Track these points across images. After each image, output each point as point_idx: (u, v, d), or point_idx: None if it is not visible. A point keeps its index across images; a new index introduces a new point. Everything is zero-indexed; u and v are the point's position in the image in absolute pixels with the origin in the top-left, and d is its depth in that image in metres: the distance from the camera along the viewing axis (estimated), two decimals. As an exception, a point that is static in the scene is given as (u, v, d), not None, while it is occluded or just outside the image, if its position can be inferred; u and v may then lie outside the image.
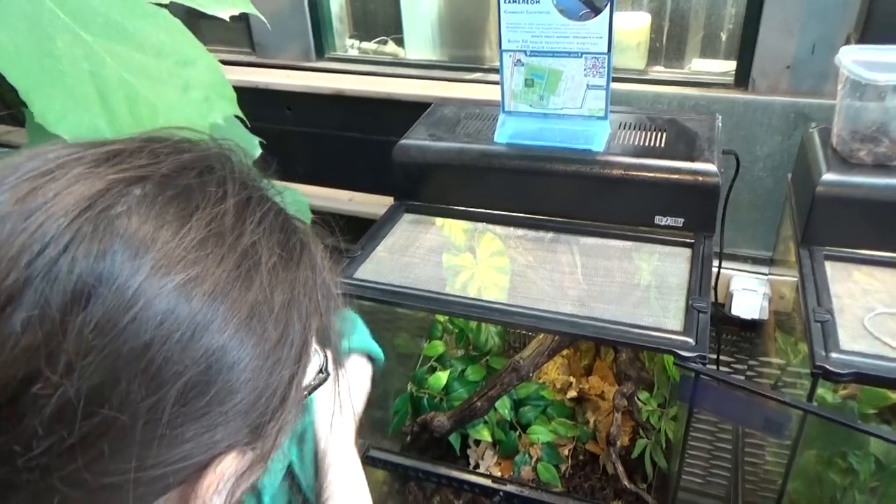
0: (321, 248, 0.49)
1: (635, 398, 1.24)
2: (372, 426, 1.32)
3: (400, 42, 2.07)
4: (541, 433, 1.31)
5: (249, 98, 1.98)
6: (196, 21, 2.21)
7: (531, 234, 1.12)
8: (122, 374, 0.34)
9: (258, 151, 1.10)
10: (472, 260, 1.28)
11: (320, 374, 0.57)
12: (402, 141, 1.17)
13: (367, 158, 1.93)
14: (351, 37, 2.15)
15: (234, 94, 0.69)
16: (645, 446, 1.23)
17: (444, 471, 1.14)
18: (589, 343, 1.47)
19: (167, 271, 0.36)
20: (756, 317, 1.51)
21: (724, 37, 1.80)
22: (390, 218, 1.16)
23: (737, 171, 1.16)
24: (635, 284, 0.98)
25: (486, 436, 1.31)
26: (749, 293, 1.51)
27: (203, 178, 0.41)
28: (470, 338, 1.39)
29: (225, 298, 0.37)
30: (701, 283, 0.94)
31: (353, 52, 2.11)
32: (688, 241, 1.04)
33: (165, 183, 0.39)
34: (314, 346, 0.47)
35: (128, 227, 0.36)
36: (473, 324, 1.37)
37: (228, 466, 0.40)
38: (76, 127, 0.52)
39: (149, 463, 0.36)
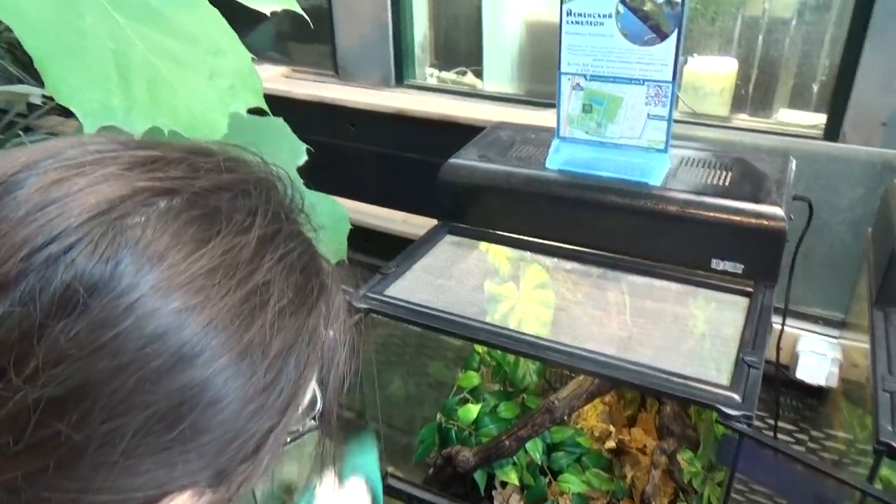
0: (342, 296, 0.46)
1: (677, 457, 1.14)
2: (394, 451, 1.27)
3: (479, 73, 2.07)
4: (573, 483, 1.23)
5: (315, 111, 2.00)
6: (285, 43, 2.29)
7: (578, 267, 1.06)
8: (88, 392, 0.32)
9: (304, 158, 1.09)
10: (514, 289, 1.23)
11: (310, 422, 0.54)
12: (451, 160, 1.14)
13: (424, 180, 1.91)
14: (431, 65, 2.16)
15: (260, 86, 0.68)
16: (685, 511, 1.13)
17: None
18: (633, 391, 1.38)
19: (167, 293, 0.33)
20: (823, 383, 1.37)
21: (815, 88, 1.70)
22: (431, 238, 1.13)
23: (809, 219, 1.06)
24: (684, 331, 0.90)
25: (513, 478, 1.23)
26: (817, 356, 1.38)
27: (235, 202, 0.38)
28: (507, 373, 1.33)
29: (219, 333, 0.35)
30: (756, 336, 0.86)
31: (432, 81, 2.12)
32: (746, 289, 0.95)
33: (194, 201, 0.37)
34: (315, 388, 0.44)
35: (140, 240, 0.34)
36: (511, 358, 1.30)
37: None
38: (88, 102, 0.51)
39: (94, 487, 0.34)
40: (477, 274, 1.07)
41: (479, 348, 1.38)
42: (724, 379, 0.79)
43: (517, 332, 0.90)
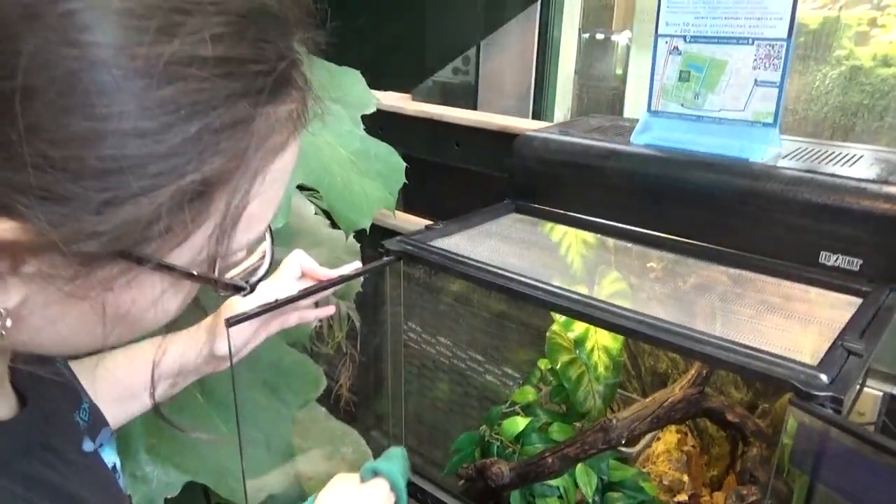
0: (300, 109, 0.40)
1: (761, 513, 0.90)
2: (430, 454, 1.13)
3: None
4: (627, 531, 1.01)
5: (421, 126, 1.99)
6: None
7: (658, 253, 0.90)
8: None
9: (373, 108, 1.05)
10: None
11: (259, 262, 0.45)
12: (527, 132, 1.04)
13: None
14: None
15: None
16: (764, 588, 0.88)
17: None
18: (722, 444, 1.14)
19: None
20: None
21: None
22: (493, 212, 1.02)
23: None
24: (774, 319, 0.72)
25: (556, 512, 1.04)
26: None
27: None
28: (568, 392, 1.16)
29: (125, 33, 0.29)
30: (866, 327, 0.66)
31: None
32: (863, 289, 0.75)
33: None
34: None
35: None
36: (574, 375, 1.13)
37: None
38: None
39: None
40: (542, 247, 0.94)
41: (542, 363, 1.22)
42: (811, 361, 0.60)
43: (570, 290, 0.75)
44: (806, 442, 0.56)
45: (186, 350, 0.73)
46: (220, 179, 0.33)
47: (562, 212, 1.00)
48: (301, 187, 1.15)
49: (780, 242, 0.82)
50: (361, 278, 1.38)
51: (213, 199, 0.33)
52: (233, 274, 0.42)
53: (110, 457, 0.58)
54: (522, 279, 0.75)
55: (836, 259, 0.78)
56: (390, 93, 2.23)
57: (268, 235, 0.46)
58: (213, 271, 0.36)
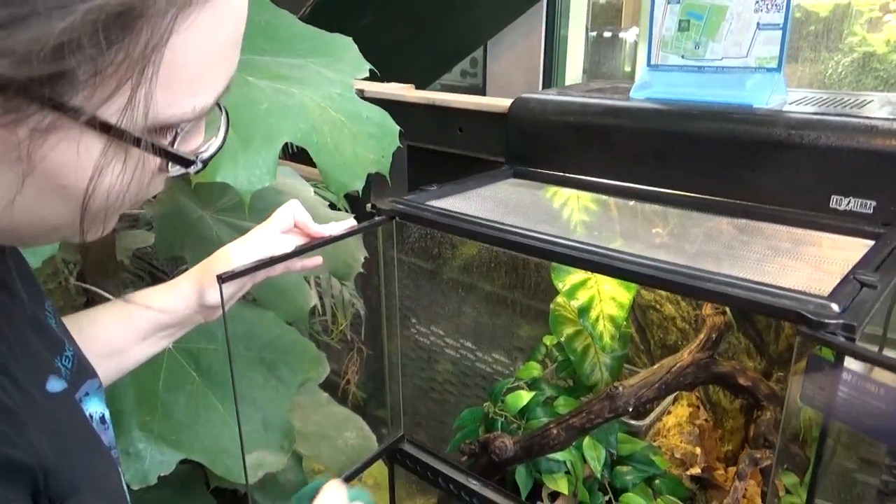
0: None
1: (775, 479, 0.86)
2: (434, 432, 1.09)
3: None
4: (637, 505, 0.97)
5: (423, 113, 1.97)
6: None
7: (662, 209, 0.87)
8: None
9: (366, 73, 1.02)
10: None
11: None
12: (523, 94, 1.01)
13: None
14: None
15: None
16: (782, 558, 0.83)
17: (476, 485, 0.87)
18: (737, 416, 1.10)
19: None
20: None
21: None
22: (491, 178, 0.99)
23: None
24: (783, 260, 0.68)
25: (563, 488, 1.00)
26: None
27: None
28: (574, 367, 1.12)
29: None
30: (880, 264, 0.62)
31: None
32: (877, 231, 0.71)
33: None
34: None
35: None
36: (579, 347, 1.09)
37: None
38: None
39: None
40: (540, 208, 0.91)
41: (548, 339, 1.18)
42: (822, 291, 0.56)
43: (571, 239, 0.72)
44: (817, 376, 0.52)
45: (176, 300, 0.71)
46: (139, 4, 0.30)
47: (562, 174, 0.97)
48: (293, 157, 1.13)
49: (788, 189, 0.78)
50: (362, 259, 1.36)
51: (133, 28, 0.31)
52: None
53: (96, 407, 0.55)
54: (523, 231, 0.72)
55: (849, 202, 0.74)
56: (392, 84, 2.22)
57: (223, 118, 0.43)
58: (158, 138, 0.34)
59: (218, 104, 0.41)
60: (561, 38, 4.14)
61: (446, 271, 1.52)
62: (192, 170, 0.40)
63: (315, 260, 0.79)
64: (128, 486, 0.61)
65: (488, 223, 0.75)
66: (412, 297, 1.60)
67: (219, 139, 0.43)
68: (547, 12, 5.11)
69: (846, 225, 0.73)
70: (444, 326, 1.55)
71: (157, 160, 0.39)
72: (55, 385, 0.50)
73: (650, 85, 0.92)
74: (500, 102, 1.76)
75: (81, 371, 0.55)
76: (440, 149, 1.96)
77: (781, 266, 0.65)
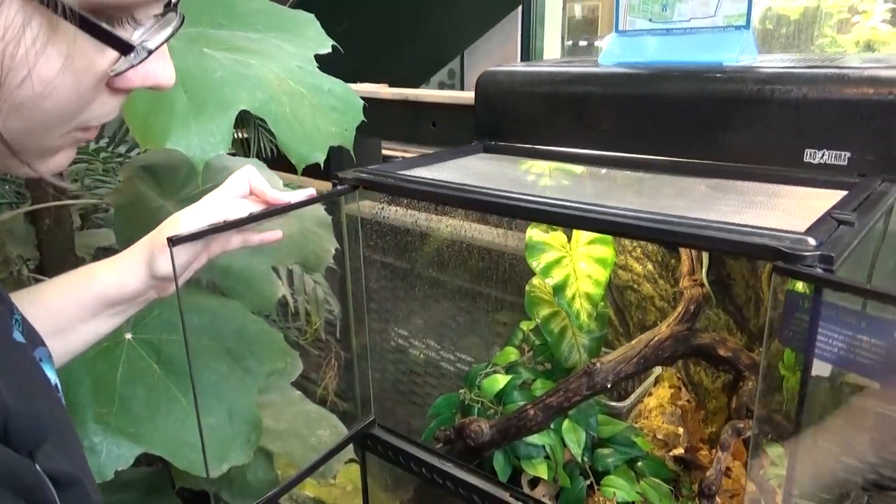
0: None
1: (760, 452, 0.82)
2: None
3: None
4: (620, 487, 0.93)
5: (397, 109, 1.95)
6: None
7: (636, 174, 0.84)
8: None
9: (328, 49, 1.00)
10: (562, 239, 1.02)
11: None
12: (490, 68, 0.99)
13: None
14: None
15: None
16: (769, 533, 0.80)
17: (450, 468, 0.82)
18: (719, 396, 1.07)
19: None
20: None
21: None
22: (460, 153, 0.96)
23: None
24: (756, 210, 0.65)
25: (543, 473, 0.96)
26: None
27: None
28: (551, 350, 1.08)
29: None
30: (857, 206, 0.60)
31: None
32: (852, 181, 0.69)
33: None
34: None
35: None
36: (556, 328, 1.06)
37: None
38: None
39: None
40: (513, 176, 0.88)
41: (524, 325, 1.15)
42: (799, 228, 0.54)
43: (540, 196, 0.68)
44: (796, 314, 0.49)
45: (123, 273, 0.66)
46: None
47: (534, 146, 0.94)
48: (271, 165, 1.09)
49: (762, 146, 0.76)
50: (332, 250, 1.32)
51: None
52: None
53: (49, 373, 0.51)
54: (495, 191, 0.69)
55: (822, 155, 0.72)
56: (367, 84, 2.19)
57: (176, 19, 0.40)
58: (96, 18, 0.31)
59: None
60: (537, 48, 4.16)
61: (415, 266, 1.48)
62: (134, 59, 0.37)
63: (274, 233, 0.75)
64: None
65: (458, 186, 0.72)
66: (382, 292, 1.56)
67: (166, 32, 0.39)
68: (523, 21, 5.13)
69: (821, 177, 0.71)
70: (412, 325, 1.51)
71: (94, 52, 0.35)
72: (19, 336, 0.47)
73: (618, 51, 0.90)
74: (470, 95, 1.74)
75: (32, 336, 0.52)
76: (415, 144, 1.94)
77: (756, 215, 0.63)
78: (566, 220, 0.62)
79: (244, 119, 2.13)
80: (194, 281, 1.22)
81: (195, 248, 0.68)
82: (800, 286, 0.51)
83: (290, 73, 0.87)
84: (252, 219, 0.68)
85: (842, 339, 0.47)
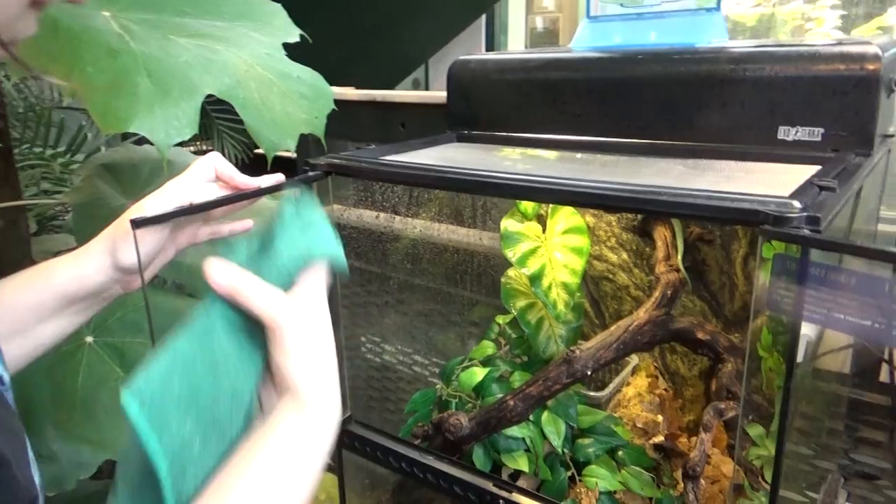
0: None
1: (742, 432, 0.82)
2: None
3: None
4: (602, 477, 0.92)
5: (365, 111, 1.93)
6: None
7: (612, 158, 0.83)
8: None
9: (296, 38, 0.97)
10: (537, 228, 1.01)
11: None
12: (462, 56, 0.98)
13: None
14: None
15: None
16: (754, 514, 0.80)
17: (431, 461, 0.80)
18: (696, 384, 1.07)
19: None
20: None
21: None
22: (432, 142, 0.95)
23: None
24: (734, 184, 0.65)
25: (523, 466, 0.94)
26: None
27: None
28: (528, 342, 1.07)
29: None
30: (837, 174, 0.60)
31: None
32: (826, 155, 0.70)
33: None
34: None
35: None
36: (533, 319, 1.05)
37: None
38: None
39: None
40: (488, 162, 0.87)
41: (500, 319, 1.14)
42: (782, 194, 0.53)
43: (519, 174, 0.67)
44: (784, 277, 0.49)
45: (85, 265, 0.63)
46: None
47: (508, 133, 0.93)
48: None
49: (736, 125, 0.76)
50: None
51: None
52: None
53: None
54: (474, 171, 0.67)
55: (796, 132, 0.72)
56: (333, 88, 2.17)
57: None
58: None
59: None
60: (501, 57, 4.18)
61: (384, 269, 1.46)
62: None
63: (245, 223, 0.73)
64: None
65: (435, 167, 0.70)
66: (353, 298, 1.53)
67: None
68: (486, 31, 5.16)
69: (796, 153, 0.71)
70: (384, 325, 1.49)
71: None
72: None
73: (590, 36, 0.90)
74: (439, 94, 1.73)
75: None
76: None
77: (737, 187, 0.63)
78: (552, 195, 0.61)
79: (206, 127, 2.09)
80: (159, 282, 1.18)
81: (161, 236, 0.64)
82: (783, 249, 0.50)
83: (258, 60, 0.85)
84: (221, 202, 0.65)
85: (832, 300, 0.46)
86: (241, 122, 0.77)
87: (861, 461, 1.13)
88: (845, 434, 1.12)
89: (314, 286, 0.50)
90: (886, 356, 0.98)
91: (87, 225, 1.05)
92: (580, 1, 4.74)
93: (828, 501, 0.94)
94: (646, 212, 0.78)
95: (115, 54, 0.72)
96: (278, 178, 0.71)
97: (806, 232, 0.46)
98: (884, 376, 1.07)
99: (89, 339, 0.95)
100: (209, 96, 0.76)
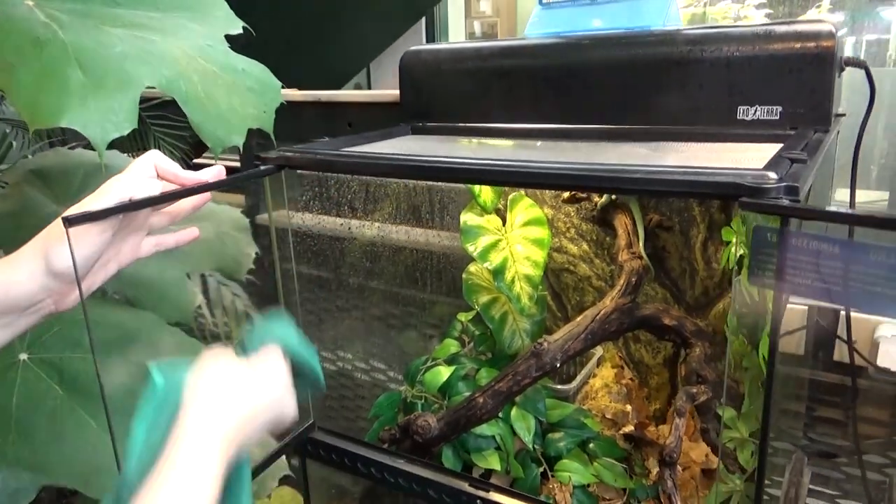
0: None
1: (714, 414, 0.82)
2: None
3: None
4: (575, 471, 0.90)
5: (312, 111, 1.88)
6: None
7: (571, 144, 0.82)
8: None
9: (239, 30, 0.93)
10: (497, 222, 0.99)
11: None
12: (413, 47, 0.95)
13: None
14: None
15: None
16: (729, 498, 0.79)
17: (401, 464, 0.77)
18: (660, 372, 1.07)
19: None
20: (916, 369, 1.04)
21: None
22: (386, 134, 0.91)
23: (872, 92, 0.81)
24: (700, 162, 0.64)
25: (495, 464, 0.92)
26: (903, 333, 1.06)
27: None
28: (492, 339, 1.05)
29: None
30: (803, 147, 0.60)
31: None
32: (787, 132, 0.70)
33: None
34: None
35: None
36: (496, 315, 1.03)
37: None
38: None
39: None
40: (446, 150, 0.84)
41: (462, 316, 1.11)
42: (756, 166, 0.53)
43: (482, 158, 0.65)
44: (765, 249, 0.48)
45: (15, 271, 0.57)
46: None
47: (463, 124, 0.91)
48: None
49: (694, 106, 0.76)
50: (253, 254, 1.23)
51: None
52: None
53: None
54: (434, 157, 0.64)
55: (755, 111, 0.72)
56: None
57: None
58: None
59: None
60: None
61: (337, 274, 1.42)
62: None
63: (191, 232, 0.68)
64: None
65: (396, 156, 0.67)
66: (306, 304, 1.48)
67: None
68: (427, 34, 5.15)
69: (756, 133, 0.71)
70: (340, 331, 1.44)
71: None
72: None
73: (543, 23, 0.88)
74: (387, 93, 1.70)
75: None
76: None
77: (701, 165, 0.62)
78: (523, 178, 0.58)
79: (143, 134, 2.01)
80: (98, 292, 1.11)
81: (100, 239, 0.59)
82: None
83: (200, 52, 0.80)
84: (164, 198, 0.60)
85: (814, 270, 0.45)
86: (178, 128, 0.73)
87: (819, 441, 1.15)
88: (806, 415, 1.14)
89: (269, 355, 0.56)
90: (845, 336, 1.00)
91: (16, 234, 0.97)
92: (518, 5, 4.78)
93: (794, 481, 0.95)
94: (622, 191, 0.77)
95: (41, 45, 0.66)
96: (219, 170, 0.66)
97: (786, 202, 0.45)
98: (838, 356, 1.09)
99: (23, 356, 0.88)
100: (143, 101, 0.71)
